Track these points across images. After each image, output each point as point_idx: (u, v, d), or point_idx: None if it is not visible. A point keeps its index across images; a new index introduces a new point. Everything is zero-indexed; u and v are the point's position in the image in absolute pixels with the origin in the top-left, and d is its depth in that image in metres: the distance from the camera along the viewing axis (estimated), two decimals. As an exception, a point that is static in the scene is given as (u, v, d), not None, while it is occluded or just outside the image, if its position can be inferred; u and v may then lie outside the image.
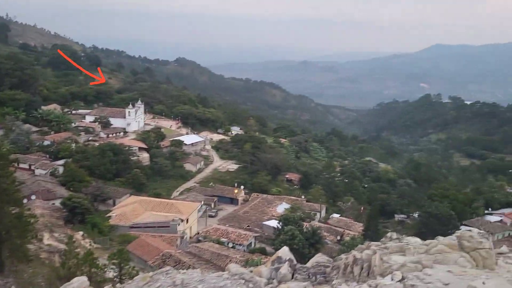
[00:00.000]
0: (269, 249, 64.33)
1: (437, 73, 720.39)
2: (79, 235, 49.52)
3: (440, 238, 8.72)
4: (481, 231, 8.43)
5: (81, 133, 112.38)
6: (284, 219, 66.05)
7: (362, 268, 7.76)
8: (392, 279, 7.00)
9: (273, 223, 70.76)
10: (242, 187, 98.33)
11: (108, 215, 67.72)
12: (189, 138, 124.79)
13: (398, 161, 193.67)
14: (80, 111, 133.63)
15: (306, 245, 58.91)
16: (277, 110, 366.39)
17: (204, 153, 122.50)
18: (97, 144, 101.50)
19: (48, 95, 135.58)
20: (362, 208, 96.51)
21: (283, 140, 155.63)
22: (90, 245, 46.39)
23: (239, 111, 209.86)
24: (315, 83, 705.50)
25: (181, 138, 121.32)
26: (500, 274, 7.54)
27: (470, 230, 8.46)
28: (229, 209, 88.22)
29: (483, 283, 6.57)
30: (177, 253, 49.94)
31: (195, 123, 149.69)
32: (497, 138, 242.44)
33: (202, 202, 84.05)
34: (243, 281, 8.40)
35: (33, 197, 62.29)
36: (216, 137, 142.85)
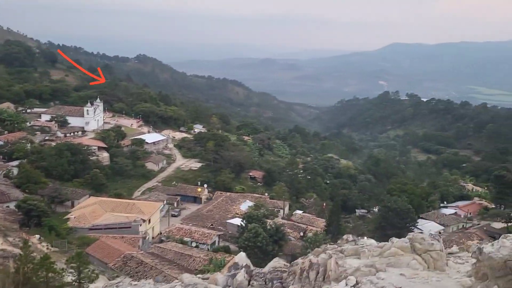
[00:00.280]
0: (233, 247, 64.30)
1: (395, 71, 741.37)
2: (35, 238, 47.76)
3: (394, 239, 8.90)
4: (432, 233, 8.66)
5: (37, 132, 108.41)
6: (248, 217, 66.16)
7: (318, 273, 7.81)
8: (346, 284, 7.08)
9: (237, 221, 70.75)
10: (205, 185, 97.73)
11: (66, 217, 65.62)
12: (151, 137, 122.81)
13: (359, 157, 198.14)
14: (35, 109, 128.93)
15: (269, 242, 59.27)
16: (240, 108, 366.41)
17: (166, 151, 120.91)
18: (54, 144, 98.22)
19: (1, 93, 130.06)
20: (324, 204, 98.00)
21: (246, 138, 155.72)
22: (47, 248, 44.84)
23: (202, 109, 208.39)
24: (277, 80, 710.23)
25: (142, 136, 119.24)
26: (450, 275, 7.77)
27: (422, 232, 8.68)
28: (192, 208, 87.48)
29: None
30: (139, 254, 49.04)
31: (156, 122, 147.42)
32: (451, 133, 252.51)
33: (165, 202, 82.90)
34: (198, 291, 8.28)
35: (-15, 200, 59.52)
36: (179, 135, 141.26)
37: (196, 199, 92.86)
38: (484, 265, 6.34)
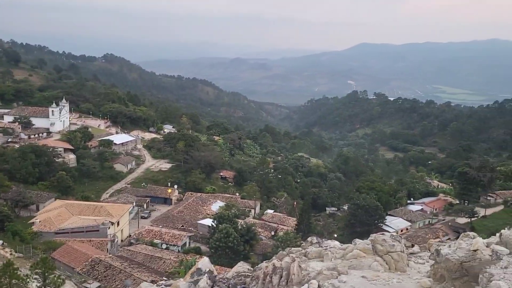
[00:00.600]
0: (204, 248, 63.99)
1: (363, 71, 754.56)
2: (-2, 244, 46.14)
3: (358, 241, 9.01)
4: (394, 234, 8.80)
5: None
6: (219, 217, 65.92)
7: (281, 277, 7.80)
8: (308, 288, 7.09)
9: (208, 221, 70.34)
10: (175, 186, 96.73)
11: (30, 221, 63.78)
12: (119, 138, 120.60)
13: (328, 156, 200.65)
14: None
15: (241, 242, 59.26)
16: (210, 108, 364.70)
17: (135, 152, 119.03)
18: (17, 146, 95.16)
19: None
20: (295, 203, 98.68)
21: (216, 138, 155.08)
22: (10, 254, 43.32)
23: (172, 109, 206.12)
24: (247, 80, 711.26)
25: (110, 137, 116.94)
26: (410, 276, 7.90)
27: (383, 234, 8.81)
28: (162, 209, 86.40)
29: None
30: (108, 258, 48.05)
31: (125, 122, 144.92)
32: (417, 132, 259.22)
33: (134, 204, 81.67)
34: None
35: None
36: (148, 136, 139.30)
37: (166, 200, 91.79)
38: (441, 266, 6.49)
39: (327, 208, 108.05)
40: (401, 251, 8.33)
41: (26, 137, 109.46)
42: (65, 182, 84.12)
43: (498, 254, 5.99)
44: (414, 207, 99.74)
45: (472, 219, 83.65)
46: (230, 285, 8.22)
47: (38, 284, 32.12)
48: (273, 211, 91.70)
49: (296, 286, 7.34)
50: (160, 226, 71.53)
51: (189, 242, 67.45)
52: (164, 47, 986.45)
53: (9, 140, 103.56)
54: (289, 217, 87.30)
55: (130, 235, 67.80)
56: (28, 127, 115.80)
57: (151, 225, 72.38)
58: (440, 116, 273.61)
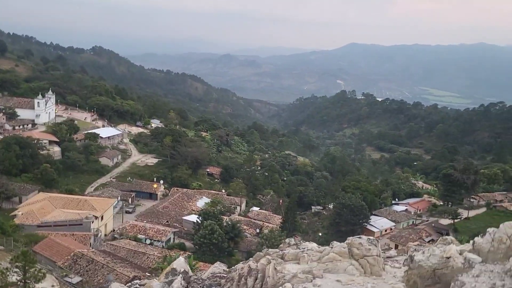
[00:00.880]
0: (188, 244, 63.82)
1: (352, 70, 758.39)
2: (-22, 237, 45.44)
3: (335, 243, 9.00)
4: (370, 238, 8.81)
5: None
6: (204, 214, 65.73)
7: (256, 279, 7.75)
8: (282, 292, 7.03)
9: (193, 218, 70.10)
10: (161, 181, 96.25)
11: (13, 213, 62.90)
12: (106, 131, 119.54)
13: (316, 155, 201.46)
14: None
15: (225, 239, 59.21)
16: (199, 103, 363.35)
17: (121, 146, 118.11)
18: (1, 137, 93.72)
19: None
20: (280, 200, 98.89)
21: (204, 134, 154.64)
22: (-10, 247, 42.72)
23: (160, 103, 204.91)
24: (237, 76, 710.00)
25: (96, 131, 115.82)
26: (385, 281, 7.91)
27: (360, 237, 8.80)
28: (147, 204, 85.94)
29: None
30: (90, 252, 47.62)
31: (112, 116, 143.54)
32: (403, 133, 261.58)
33: (119, 198, 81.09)
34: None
35: None
36: (135, 130, 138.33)
37: (151, 196, 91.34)
38: (414, 273, 6.50)
39: (312, 207, 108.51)
40: (377, 255, 8.32)
41: (10, 128, 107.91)
42: (49, 175, 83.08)
43: (470, 262, 6.00)
44: (399, 208, 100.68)
45: (455, 220, 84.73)
46: (204, 286, 8.15)
47: (18, 278, 31.67)
48: (258, 208, 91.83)
49: (270, 290, 7.28)
50: (145, 221, 71.14)
51: (174, 238, 67.21)
52: (153, 41, 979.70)
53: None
54: (274, 215, 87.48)
55: (114, 230, 67.32)
56: (13, 118, 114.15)
57: (136, 220, 71.96)
58: (426, 117, 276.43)
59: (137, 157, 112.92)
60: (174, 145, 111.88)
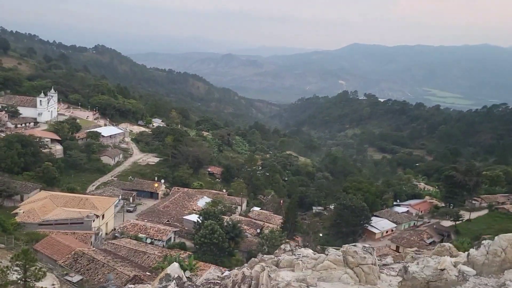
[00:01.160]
0: (189, 244, 63.67)
1: (354, 71, 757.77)
2: (-21, 234, 45.46)
3: (331, 250, 8.88)
4: (366, 246, 8.68)
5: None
6: (204, 213, 65.58)
7: (249, 286, 7.67)
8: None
9: (194, 217, 69.99)
10: (162, 181, 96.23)
11: (14, 211, 62.88)
12: (107, 130, 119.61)
13: (317, 155, 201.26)
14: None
15: (226, 239, 59.07)
16: (200, 103, 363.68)
17: (123, 145, 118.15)
18: (3, 135, 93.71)
19: None
20: (281, 201, 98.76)
21: (206, 133, 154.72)
22: (-9, 245, 42.73)
23: (161, 103, 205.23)
24: (238, 76, 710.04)
25: (98, 129, 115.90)
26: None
27: (355, 245, 8.68)
28: (148, 203, 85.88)
29: None
30: (91, 251, 47.57)
31: (114, 114, 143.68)
32: (406, 133, 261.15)
33: (120, 197, 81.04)
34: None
35: None
36: (137, 129, 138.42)
37: (152, 195, 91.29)
38: (408, 284, 6.41)
39: (313, 207, 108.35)
40: (372, 264, 8.20)
41: (12, 126, 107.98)
42: (51, 173, 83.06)
43: (464, 275, 5.89)
44: (400, 209, 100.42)
45: (457, 222, 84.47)
46: (198, 293, 8.04)
47: (19, 276, 31.67)
48: (259, 208, 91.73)
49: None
50: (146, 221, 71.09)
51: (174, 238, 67.10)
52: (155, 41, 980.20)
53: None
54: (275, 215, 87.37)
55: (114, 229, 67.24)
56: (15, 116, 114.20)
57: (137, 219, 71.88)
58: (429, 119, 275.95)
59: (138, 156, 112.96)
60: (176, 145, 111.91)
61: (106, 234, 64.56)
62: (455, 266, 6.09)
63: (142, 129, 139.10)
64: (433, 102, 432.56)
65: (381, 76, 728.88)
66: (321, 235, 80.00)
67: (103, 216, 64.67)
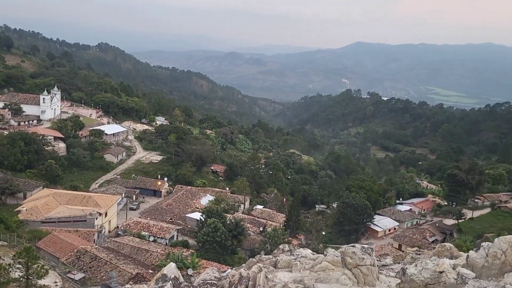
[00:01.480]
0: (192, 242, 63.75)
1: (357, 69, 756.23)
2: (-18, 232, 45.59)
3: (330, 250, 8.79)
4: (365, 247, 8.59)
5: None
6: (207, 212, 65.63)
7: (247, 287, 7.59)
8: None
9: (197, 215, 70.04)
10: (165, 179, 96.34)
11: (17, 209, 63.08)
12: (110, 128, 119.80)
13: (320, 153, 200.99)
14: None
15: (228, 237, 59.10)
16: (204, 101, 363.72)
17: (126, 143, 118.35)
18: (6, 132, 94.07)
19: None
20: (284, 199, 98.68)
21: (209, 132, 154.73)
22: (-6, 243, 42.85)
23: (165, 101, 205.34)
24: (242, 74, 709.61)
25: (101, 127, 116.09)
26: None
27: (354, 246, 8.58)
28: (151, 201, 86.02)
29: None
30: (93, 248, 47.66)
31: (117, 113, 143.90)
32: (409, 132, 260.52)
33: (123, 195, 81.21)
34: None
35: None
36: (140, 127, 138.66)
37: (156, 193, 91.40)
38: (406, 287, 6.33)
39: (316, 206, 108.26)
40: (371, 265, 8.10)
41: (16, 124, 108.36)
42: (54, 171, 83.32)
43: (463, 278, 5.79)
44: (403, 207, 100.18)
45: (459, 220, 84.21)
46: (194, 294, 7.98)
47: (21, 274, 31.76)
48: (262, 206, 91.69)
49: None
50: (148, 218, 71.18)
51: (177, 236, 67.18)
52: (159, 38, 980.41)
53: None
54: (278, 213, 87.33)
55: (117, 227, 67.38)
56: (18, 114, 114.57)
57: (139, 217, 71.97)
58: (432, 117, 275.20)
59: (141, 154, 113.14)
60: (179, 143, 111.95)
61: (109, 232, 64.72)
62: (454, 268, 5.96)
63: (145, 127, 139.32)
64: (436, 100, 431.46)
65: (385, 75, 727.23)
66: (324, 233, 79.92)
67: (106, 214, 64.83)
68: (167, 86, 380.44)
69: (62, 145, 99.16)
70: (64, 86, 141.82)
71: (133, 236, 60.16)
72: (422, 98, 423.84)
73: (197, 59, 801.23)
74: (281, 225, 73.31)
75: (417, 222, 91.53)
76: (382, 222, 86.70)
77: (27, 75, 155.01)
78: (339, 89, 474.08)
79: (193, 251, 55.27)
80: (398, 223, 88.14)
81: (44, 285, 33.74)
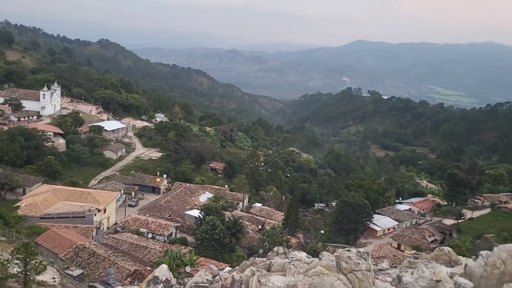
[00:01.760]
0: (190, 239, 63.75)
1: (358, 68, 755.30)
2: (-20, 227, 45.52)
3: (325, 254, 8.65)
4: (361, 251, 8.43)
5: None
6: (206, 209, 65.60)
7: None
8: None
9: (195, 212, 70.04)
10: (165, 175, 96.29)
11: (16, 205, 63.02)
12: (110, 124, 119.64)
13: (320, 152, 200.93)
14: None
15: (227, 235, 59.09)
16: (204, 98, 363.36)
17: (126, 140, 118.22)
18: (6, 128, 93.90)
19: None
20: (283, 197, 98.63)
21: (208, 129, 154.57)
22: (-7, 238, 42.80)
23: (165, 97, 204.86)
24: (242, 72, 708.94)
25: (101, 124, 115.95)
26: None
27: (349, 250, 8.41)
28: (150, 198, 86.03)
29: None
30: (92, 245, 47.62)
31: (117, 109, 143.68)
32: (409, 131, 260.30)
33: (122, 191, 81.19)
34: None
35: None
36: (140, 123, 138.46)
37: (155, 189, 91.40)
38: None
39: (315, 204, 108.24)
40: (366, 270, 7.92)
41: (15, 119, 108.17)
42: (53, 167, 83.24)
43: (461, 287, 5.62)
44: (402, 207, 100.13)
45: (459, 220, 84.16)
46: (186, 296, 7.87)
47: (19, 270, 31.71)
48: (261, 204, 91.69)
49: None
50: (147, 215, 71.20)
51: (176, 233, 67.20)
52: (160, 35, 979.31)
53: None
54: (277, 211, 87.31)
55: (116, 223, 67.37)
56: (18, 109, 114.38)
57: (138, 214, 72.00)
58: (432, 116, 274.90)
59: (141, 151, 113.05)
60: (178, 140, 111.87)
61: (108, 228, 64.72)
62: (451, 277, 5.78)
63: (145, 123, 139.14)
64: (437, 100, 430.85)
65: (385, 74, 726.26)
66: (322, 232, 79.84)
67: (104, 210, 64.79)
68: (167, 83, 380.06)
69: (61, 141, 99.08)
70: (64, 82, 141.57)
71: (132, 233, 60.15)
72: (422, 97, 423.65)
73: (197, 56, 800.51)
74: (280, 223, 73.29)
75: (416, 221, 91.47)
76: (381, 222, 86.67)
77: (28, 70, 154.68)
78: (340, 87, 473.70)
79: (191, 248, 55.22)
80: (397, 223, 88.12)
81: (42, 280, 33.73)
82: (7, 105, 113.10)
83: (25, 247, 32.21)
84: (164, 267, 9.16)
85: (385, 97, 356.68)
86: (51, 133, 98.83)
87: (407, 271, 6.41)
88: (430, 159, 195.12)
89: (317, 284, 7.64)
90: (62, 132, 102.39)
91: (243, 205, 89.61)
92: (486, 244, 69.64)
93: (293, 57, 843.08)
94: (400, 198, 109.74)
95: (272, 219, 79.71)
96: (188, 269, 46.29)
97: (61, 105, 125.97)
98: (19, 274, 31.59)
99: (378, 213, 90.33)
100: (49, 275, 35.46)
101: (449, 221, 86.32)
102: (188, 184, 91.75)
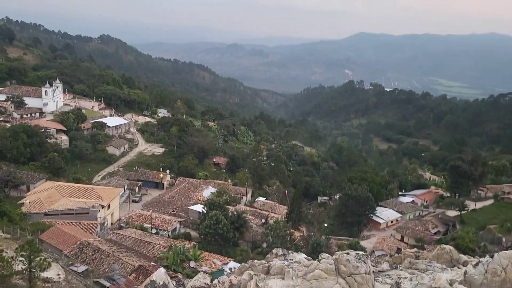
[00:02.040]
0: (194, 234, 63.96)
1: (360, 60, 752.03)
2: (-15, 225, 45.70)
3: (324, 255, 8.59)
4: (360, 254, 8.36)
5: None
6: (210, 204, 65.76)
7: None
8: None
9: (199, 207, 70.26)
10: (168, 171, 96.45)
11: (20, 202, 63.30)
12: (113, 120, 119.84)
13: (322, 145, 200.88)
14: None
15: (230, 230, 59.23)
16: (206, 93, 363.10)
17: (128, 136, 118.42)
18: (9, 125, 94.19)
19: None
20: (286, 191, 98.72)
21: (211, 124, 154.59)
22: (-2, 235, 42.95)
23: (167, 93, 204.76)
24: (244, 66, 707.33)
25: (103, 120, 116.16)
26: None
27: (348, 253, 8.34)
28: (154, 193, 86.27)
29: None
30: (96, 241, 47.81)
31: (119, 105, 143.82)
32: (412, 123, 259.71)
33: (125, 187, 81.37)
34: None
35: None
36: (142, 119, 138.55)
37: (158, 185, 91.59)
38: None
39: (318, 197, 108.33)
40: (365, 273, 7.84)
41: (18, 116, 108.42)
42: (57, 163, 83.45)
43: None
44: (405, 199, 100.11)
45: (462, 212, 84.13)
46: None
47: (24, 267, 31.89)
48: (264, 198, 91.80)
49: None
50: (151, 211, 71.42)
51: (179, 228, 67.41)
52: (161, 30, 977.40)
53: (1, 119, 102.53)
54: (280, 205, 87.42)
55: (120, 219, 67.64)
56: (20, 106, 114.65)
57: (142, 209, 72.24)
58: (435, 108, 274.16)
59: (143, 147, 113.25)
60: (181, 135, 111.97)
61: (112, 224, 64.99)
62: (451, 284, 5.67)
63: (148, 119, 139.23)
64: (439, 91, 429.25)
65: (388, 66, 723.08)
66: (326, 225, 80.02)
67: (108, 206, 65.03)
68: (169, 78, 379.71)
69: (64, 137, 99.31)
70: (66, 79, 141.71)
71: (136, 229, 60.40)
72: (425, 89, 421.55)
73: (199, 51, 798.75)
74: (283, 217, 73.42)
75: (419, 213, 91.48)
76: (385, 214, 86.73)
77: (29, 67, 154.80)
78: (342, 80, 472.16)
79: (195, 243, 55.45)
80: (400, 215, 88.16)
81: (47, 277, 33.90)
82: (9, 102, 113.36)
83: (30, 244, 32.34)
84: (161, 270, 9.18)
85: (388, 90, 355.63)
86: (53, 129, 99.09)
87: (406, 277, 6.36)
88: (433, 151, 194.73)
89: None
90: (65, 129, 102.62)
91: (246, 200, 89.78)
92: (490, 235, 69.69)
93: (294, 51, 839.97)
94: (403, 190, 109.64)
95: (276, 213, 79.87)
96: (192, 264, 46.50)
97: (63, 101, 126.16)
98: (24, 271, 31.73)
99: (381, 206, 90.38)
100: (53, 272, 35.62)
101: (452, 213, 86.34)
102: (191, 179, 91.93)
